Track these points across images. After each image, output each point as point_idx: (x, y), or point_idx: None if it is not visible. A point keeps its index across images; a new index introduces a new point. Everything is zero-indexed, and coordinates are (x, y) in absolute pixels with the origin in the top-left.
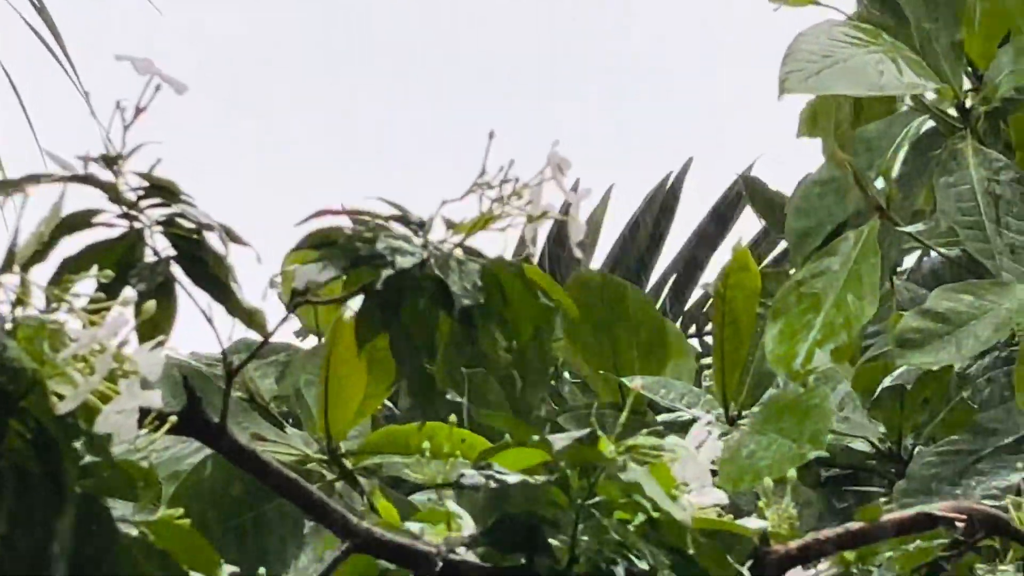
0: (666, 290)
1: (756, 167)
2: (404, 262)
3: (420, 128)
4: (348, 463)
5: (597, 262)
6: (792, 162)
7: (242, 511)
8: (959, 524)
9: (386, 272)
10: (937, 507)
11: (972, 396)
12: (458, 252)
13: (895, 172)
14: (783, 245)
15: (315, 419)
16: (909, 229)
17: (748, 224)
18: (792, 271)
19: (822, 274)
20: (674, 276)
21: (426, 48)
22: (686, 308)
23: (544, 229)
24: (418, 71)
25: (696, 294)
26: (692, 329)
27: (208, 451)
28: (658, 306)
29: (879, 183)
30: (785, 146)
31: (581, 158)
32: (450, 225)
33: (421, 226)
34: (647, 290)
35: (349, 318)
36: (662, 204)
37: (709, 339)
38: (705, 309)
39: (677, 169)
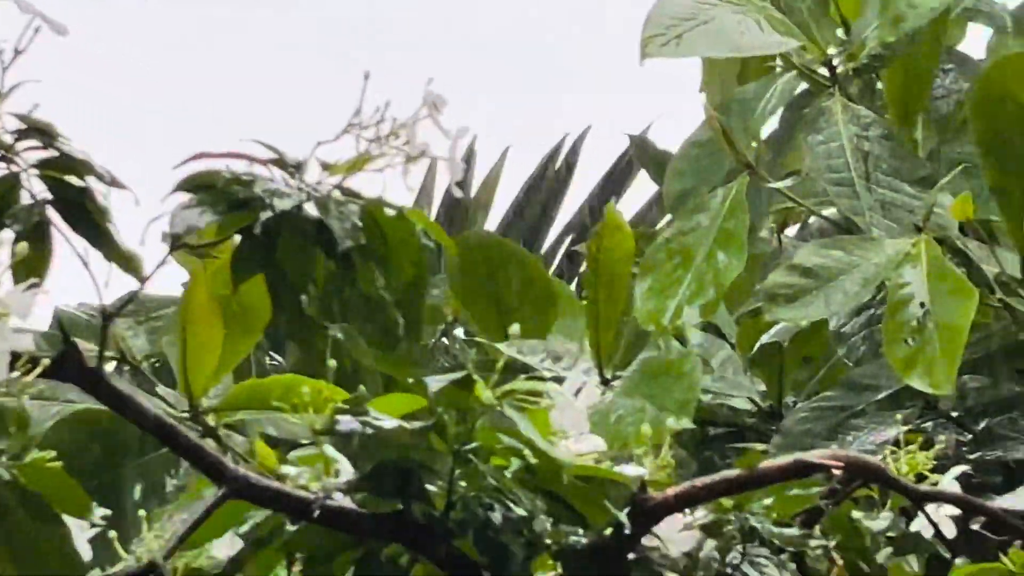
0: (560, 253)
1: (663, 129)
2: (282, 204)
3: (299, 74)
4: (211, 420)
5: (492, 225)
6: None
7: (102, 472)
8: (836, 472)
9: (265, 214)
10: (814, 455)
11: (848, 354)
12: (336, 194)
13: (768, 131)
14: None
15: (177, 375)
16: (779, 186)
17: (643, 187)
18: None
19: (691, 231)
20: (569, 239)
21: None
22: (581, 271)
23: (440, 189)
24: (301, 17)
25: None
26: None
27: (62, 416)
28: (553, 269)
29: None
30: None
31: (480, 124)
32: (326, 167)
33: (298, 168)
34: (542, 252)
35: (205, 272)
36: (558, 168)
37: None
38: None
39: (575, 135)
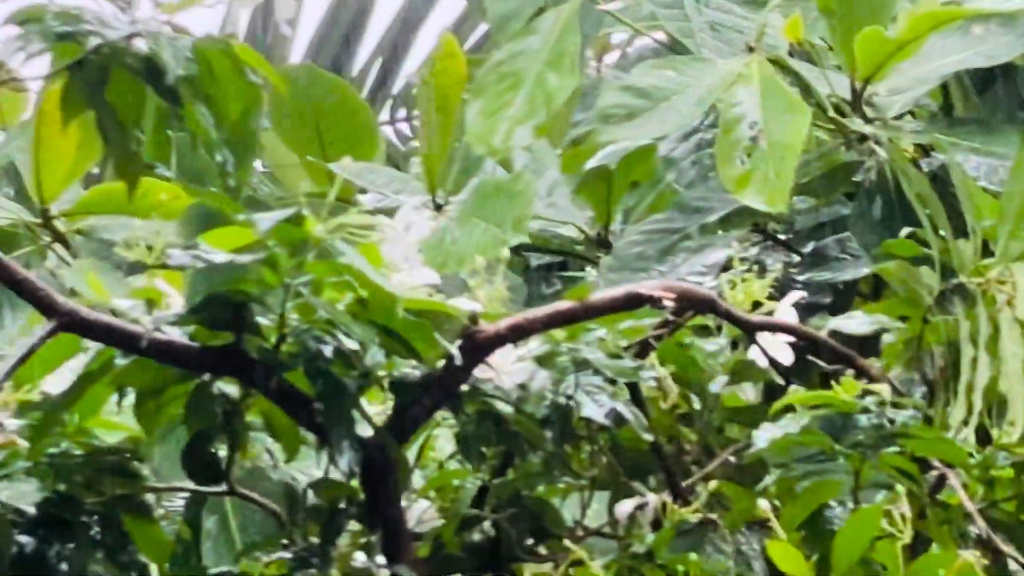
0: (372, 76)
1: None
2: (111, 35)
3: None
4: (60, 226)
5: (298, 50)
6: None
7: None
8: (668, 303)
9: (93, 41)
10: (645, 286)
11: (677, 178)
12: (167, 29)
13: None
14: (484, 28)
15: (27, 184)
16: (609, 7)
17: (453, 6)
18: None
19: (522, 53)
20: (379, 60)
21: None
22: (394, 92)
23: (246, 15)
24: None
25: (403, 77)
26: (401, 112)
27: None
28: (365, 92)
29: None
30: None
31: None
32: (157, 3)
33: (128, 4)
34: (353, 76)
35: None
36: None
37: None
38: (413, 92)
39: None
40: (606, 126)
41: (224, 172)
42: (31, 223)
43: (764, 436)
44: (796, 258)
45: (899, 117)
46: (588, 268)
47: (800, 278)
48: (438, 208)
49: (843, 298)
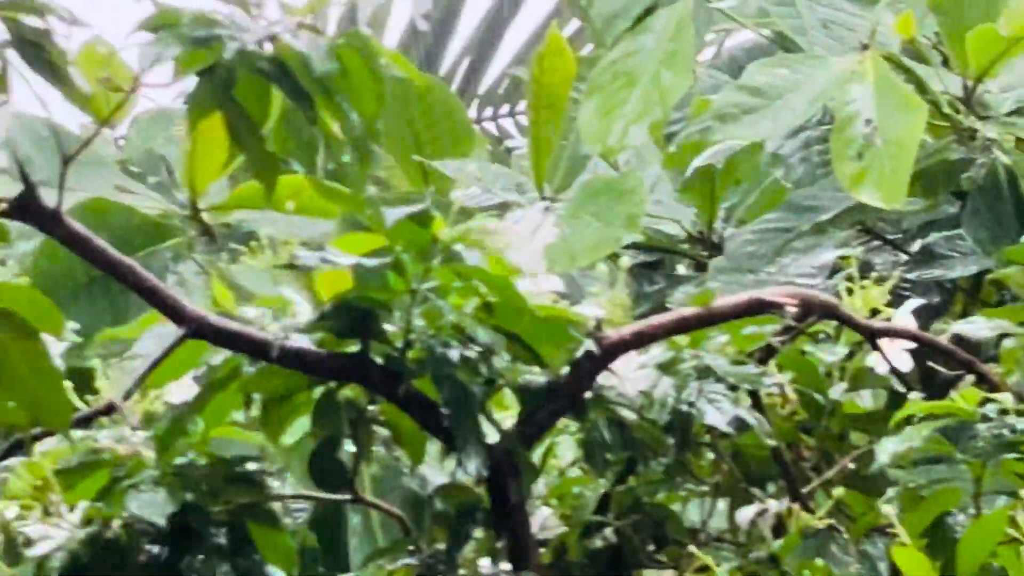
0: (460, 73)
1: None
2: (246, 39)
3: None
4: (208, 219)
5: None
6: None
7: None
8: (791, 309)
9: (232, 47)
10: (769, 292)
11: (786, 176)
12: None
13: None
14: (575, 25)
15: (179, 175)
16: (722, 6)
17: (540, 4)
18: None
19: (636, 52)
20: (467, 60)
21: None
22: (482, 91)
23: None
24: None
25: (491, 76)
26: (488, 112)
27: (79, 196)
28: (452, 89)
29: None
30: None
31: None
32: (284, 6)
33: (259, 7)
34: (441, 76)
35: None
36: None
37: (503, 122)
38: (501, 91)
39: None
40: (722, 124)
41: (348, 172)
42: (181, 215)
43: (887, 450)
44: (903, 257)
45: (1011, 114)
46: (680, 266)
47: (910, 276)
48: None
49: (946, 296)
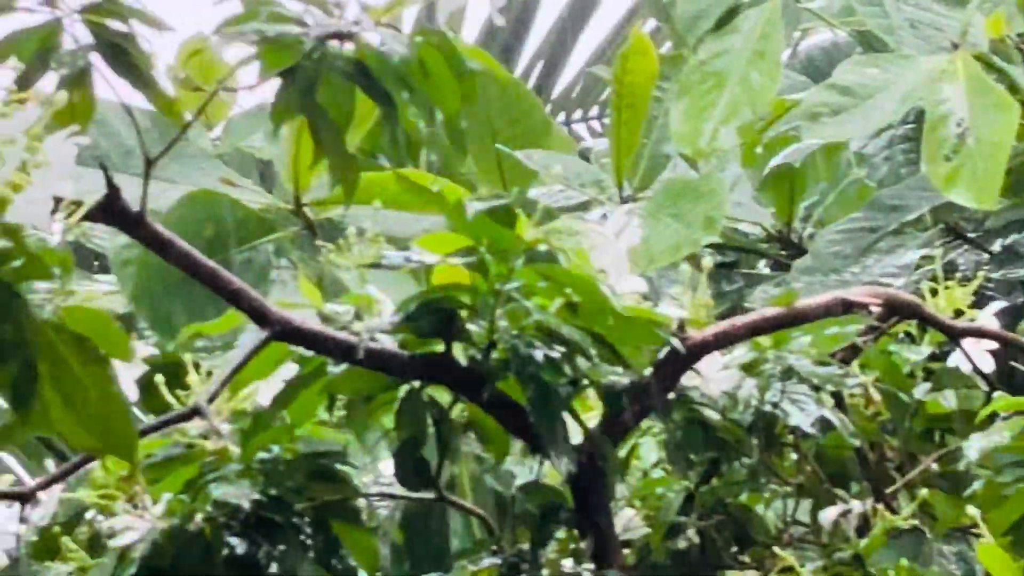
0: (533, 77)
1: None
2: (324, 35)
3: None
4: (310, 214)
5: None
6: None
7: (214, 252)
8: (875, 309)
9: (309, 45)
10: (853, 292)
11: (869, 175)
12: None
13: None
14: (652, 23)
15: (284, 170)
16: (810, 6)
17: (614, 6)
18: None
19: (724, 52)
20: (541, 62)
21: None
22: (555, 95)
23: (410, 19)
24: None
25: (564, 80)
26: (561, 116)
27: (184, 188)
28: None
29: None
30: None
31: None
32: (364, 6)
33: (338, 7)
34: (515, 76)
35: None
36: None
37: (576, 126)
38: (574, 95)
39: None
40: (812, 124)
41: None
42: (285, 210)
43: (975, 447)
44: (985, 256)
45: None
46: (759, 265)
47: (993, 275)
48: (625, 204)
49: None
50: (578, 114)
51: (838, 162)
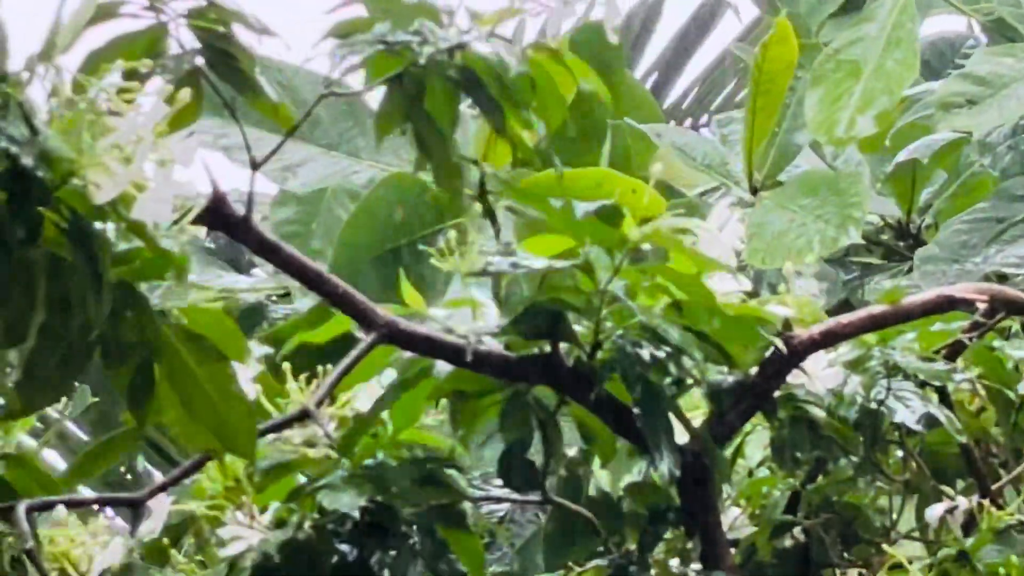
0: (648, 85)
1: None
2: (434, 45)
3: None
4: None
5: None
6: None
7: (400, 236)
8: (980, 305)
9: (427, 49)
10: (958, 289)
11: (992, 164)
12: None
13: None
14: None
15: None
16: None
17: (728, 28)
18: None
19: (859, 40)
20: (654, 76)
21: None
22: (664, 108)
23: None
24: None
25: (674, 95)
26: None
27: (373, 171)
28: None
29: None
30: None
31: None
32: (475, 16)
33: (449, 16)
34: None
35: None
36: (647, 8)
37: None
38: (685, 106)
39: None
40: (946, 114)
41: None
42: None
43: None
44: None
45: None
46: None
47: None
48: (754, 192)
49: None
50: (687, 123)
51: (959, 153)
